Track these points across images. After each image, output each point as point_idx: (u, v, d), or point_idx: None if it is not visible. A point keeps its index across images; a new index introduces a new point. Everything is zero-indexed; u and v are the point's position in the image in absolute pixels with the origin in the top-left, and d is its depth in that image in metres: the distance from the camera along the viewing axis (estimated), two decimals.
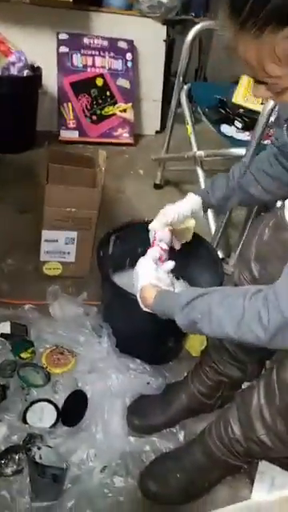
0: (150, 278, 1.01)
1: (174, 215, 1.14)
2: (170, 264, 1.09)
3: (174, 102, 2.05)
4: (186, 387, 1.22)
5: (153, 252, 1.10)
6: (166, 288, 1.00)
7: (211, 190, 1.17)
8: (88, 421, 1.17)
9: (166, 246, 1.12)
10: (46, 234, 1.54)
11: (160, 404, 1.21)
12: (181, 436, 1.21)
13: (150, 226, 1.16)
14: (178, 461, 1.09)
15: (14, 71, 2.16)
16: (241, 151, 1.59)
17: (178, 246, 1.21)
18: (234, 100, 1.82)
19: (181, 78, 1.97)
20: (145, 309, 1.00)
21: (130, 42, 2.57)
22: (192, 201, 1.15)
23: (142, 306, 1.00)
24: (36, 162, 2.14)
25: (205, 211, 1.19)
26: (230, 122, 1.85)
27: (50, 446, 1.00)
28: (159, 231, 1.14)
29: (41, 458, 0.98)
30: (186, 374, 1.29)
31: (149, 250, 1.11)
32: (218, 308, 0.81)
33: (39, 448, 0.98)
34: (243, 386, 1.23)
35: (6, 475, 1.04)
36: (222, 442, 1.02)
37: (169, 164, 2.27)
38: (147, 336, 1.31)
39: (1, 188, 2.02)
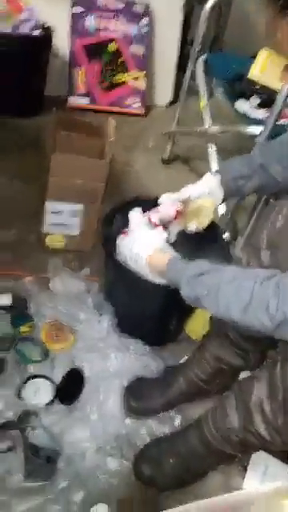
0: (158, 243, 0.97)
1: (187, 193, 1.08)
2: None
3: (188, 73, 1.94)
4: (186, 372, 1.20)
5: (137, 219, 1.04)
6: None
7: (226, 171, 1.11)
8: (84, 400, 1.16)
9: (155, 220, 1.06)
10: (50, 205, 1.49)
11: (158, 387, 1.20)
12: (177, 421, 1.20)
13: (159, 199, 1.11)
14: (173, 445, 1.08)
15: (24, 29, 2.05)
16: (256, 130, 1.52)
17: (192, 228, 1.13)
18: (249, 76, 1.72)
19: (197, 48, 1.87)
20: (151, 277, 0.96)
21: (147, 6, 2.44)
22: (209, 181, 1.09)
23: (148, 274, 0.96)
24: (43, 129, 2.06)
25: (226, 198, 1.12)
26: (247, 98, 1.76)
27: (44, 427, 0.98)
28: (164, 205, 1.09)
29: (34, 438, 0.96)
30: (185, 357, 1.27)
31: (132, 217, 1.05)
32: (227, 288, 0.79)
33: (33, 428, 0.96)
34: (241, 374, 1.21)
35: (0, 451, 1.03)
36: (218, 431, 1.00)
37: (179, 138, 2.19)
38: (149, 317, 1.28)
39: (4, 155, 1.94)
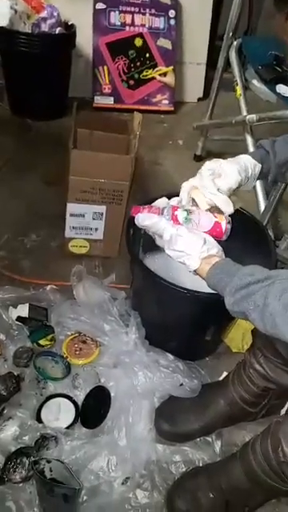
0: (205, 250, 0.81)
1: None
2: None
3: (221, 61, 1.81)
4: (226, 391, 1.04)
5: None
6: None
7: (272, 151, 0.95)
8: (110, 423, 1.04)
9: (180, 220, 0.89)
10: (71, 207, 1.37)
11: (194, 408, 1.05)
12: (217, 446, 1.06)
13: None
14: (213, 478, 0.94)
15: (44, 28, 1.97)
16: None
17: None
18: None
19: (230, 33, 1.73)
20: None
21: None
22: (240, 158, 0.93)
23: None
24: (67, 131, 1.96)
25: (261, 178, 0.97)
26: (286, 83, 1.61)
27: (60, 461, 0.85)
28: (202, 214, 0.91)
29: (51, 470, 0.83)
30: (225, 374, 1.11)
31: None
32: (275, 302, 0.66)
33: (49, 461, 0.83)
34: None
35: (13, 481, 0.92)
36: (268, 464, 0.84)
37: (212, 133, 2.05)
38: (181, 327, 1.15)
39: (29, 157, 1.88)
